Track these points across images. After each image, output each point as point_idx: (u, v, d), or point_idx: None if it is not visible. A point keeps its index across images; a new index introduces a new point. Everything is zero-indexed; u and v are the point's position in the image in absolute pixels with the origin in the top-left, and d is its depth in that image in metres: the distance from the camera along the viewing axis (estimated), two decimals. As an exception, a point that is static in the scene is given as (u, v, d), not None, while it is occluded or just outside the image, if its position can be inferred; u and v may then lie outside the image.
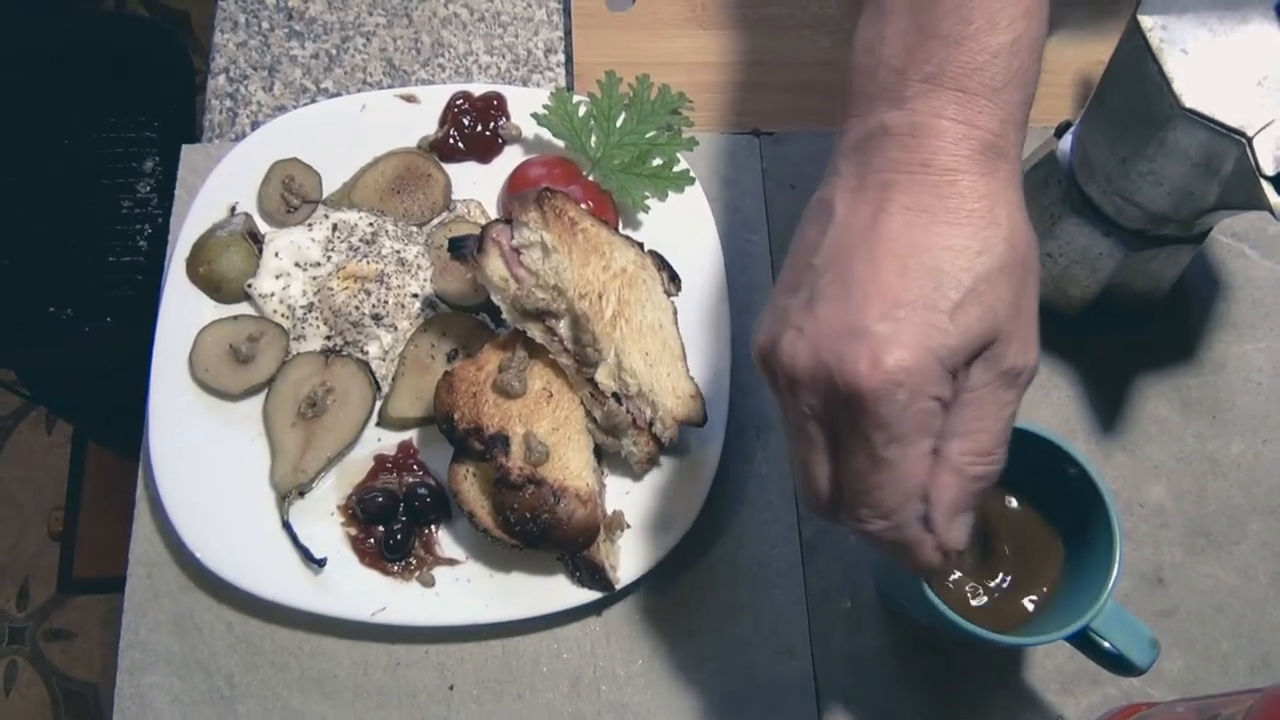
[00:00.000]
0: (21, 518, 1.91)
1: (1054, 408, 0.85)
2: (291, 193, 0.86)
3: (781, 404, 0.53)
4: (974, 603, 0.69)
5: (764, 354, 0.52)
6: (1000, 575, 0.70)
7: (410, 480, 0.78)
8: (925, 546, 0.51)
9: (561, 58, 0.98)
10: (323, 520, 0.77)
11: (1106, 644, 0.65)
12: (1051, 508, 0.70)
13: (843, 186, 0.52)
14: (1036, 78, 0.53)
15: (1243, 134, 0.63)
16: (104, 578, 1.82)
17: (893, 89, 0.52)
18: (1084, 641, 0.66)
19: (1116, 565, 0.64)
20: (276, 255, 0.83)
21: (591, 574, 0.74)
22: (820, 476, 0.52)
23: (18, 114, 1.29)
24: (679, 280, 0.81)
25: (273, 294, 0.82)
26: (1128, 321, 0.85)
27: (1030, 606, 0.69)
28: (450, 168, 0.88)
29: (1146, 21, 0.66)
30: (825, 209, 0.53)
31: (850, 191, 0.52)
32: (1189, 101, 0.64)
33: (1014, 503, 0.71)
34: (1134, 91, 0.68)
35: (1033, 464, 0.68)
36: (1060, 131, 0.81)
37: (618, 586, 0.75)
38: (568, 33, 0.98)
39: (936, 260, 0.48)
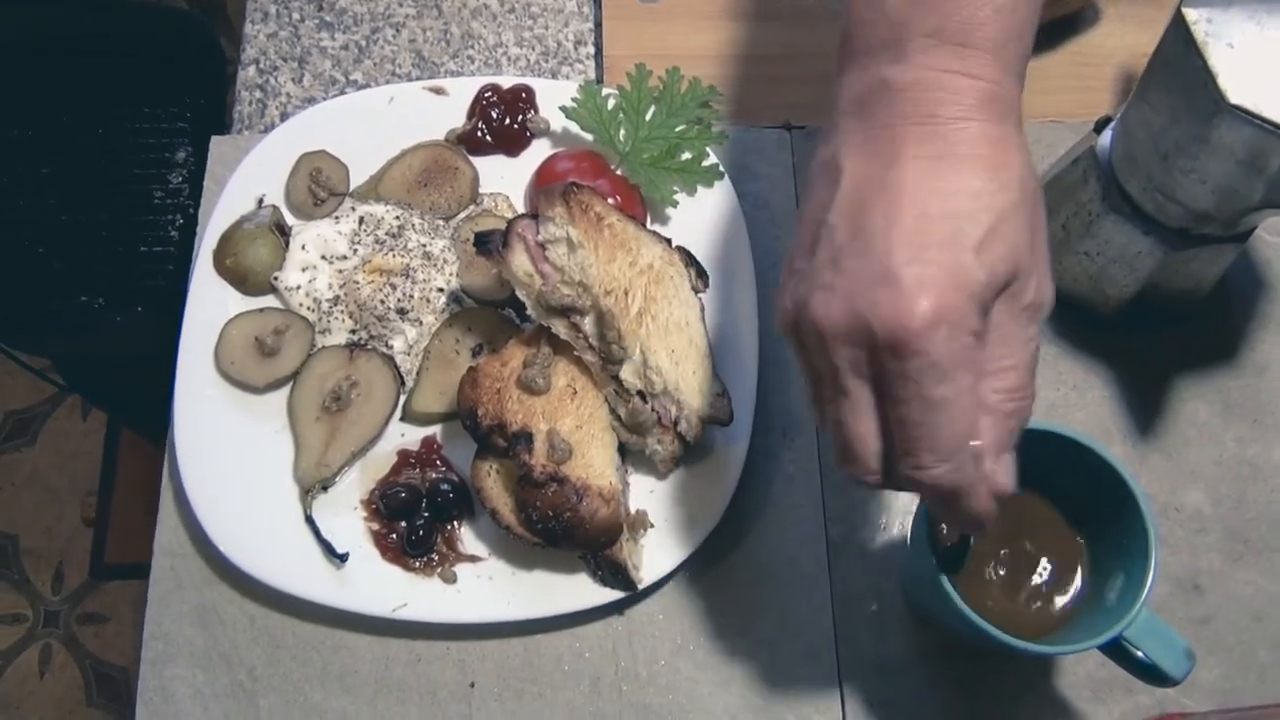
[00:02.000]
0: (57, 503, 1.93)
1: (1089, 409, 0.83)
2: (319, 185, 0.85)
3: (815, 369, 0.52)
4: (1003, 608, 0.67)
5: (792, 319, 0.52)
6: (1031, 580, 0.68)
7: (433, 476, 0.78)
8: (981, 491, 0.50)
9: (591, 50, 0.97)
10: (345, 515, 0.77)
11: (1140, 653, 0.63)
12: (1085, 512, 0.69)
13: (848, 143, 0.52)
14: (1035, 28, 0.53)
15: (1290, 131, 0.61)
16: (136, 563, 1.83)
17: (893, 44, 0.52)
18: (1117, 651, 0.65)
19: (1151, 573, 0.62)
20: (303, 248, 0.83)
21: (614, 573, 0.73)
22: (867, 434, 0.51)
23: (52, 104, 1.29)
24: (707, 277, 0.80)
25: (299, 287, 0.82)
26: (1167, 322, 0.83)
27: (1062, 613, 0.68)
28: (478, 161, 0.88)
29: (1191, 14, 0.64)
30: (832, 167, 0.52)
31: (857, 147, 0.52)
32: (1235, 97, 0.62)
33: (1044, 506, 0.70)
34: (1178, 86, 0.66)
35: (1066, 467, 0.66)
36: (1100, 127, 0.79)
37: (640, 586, 0.74)
38: (598, 24, 0.97)
39: (955, 203, 0.49)
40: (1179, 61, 0.65)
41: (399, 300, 0.81)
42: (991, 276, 0.48)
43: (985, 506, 0.51)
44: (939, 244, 0.48)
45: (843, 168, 0.52)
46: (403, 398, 0.80)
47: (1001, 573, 0.68)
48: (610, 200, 0.80)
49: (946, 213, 0.49)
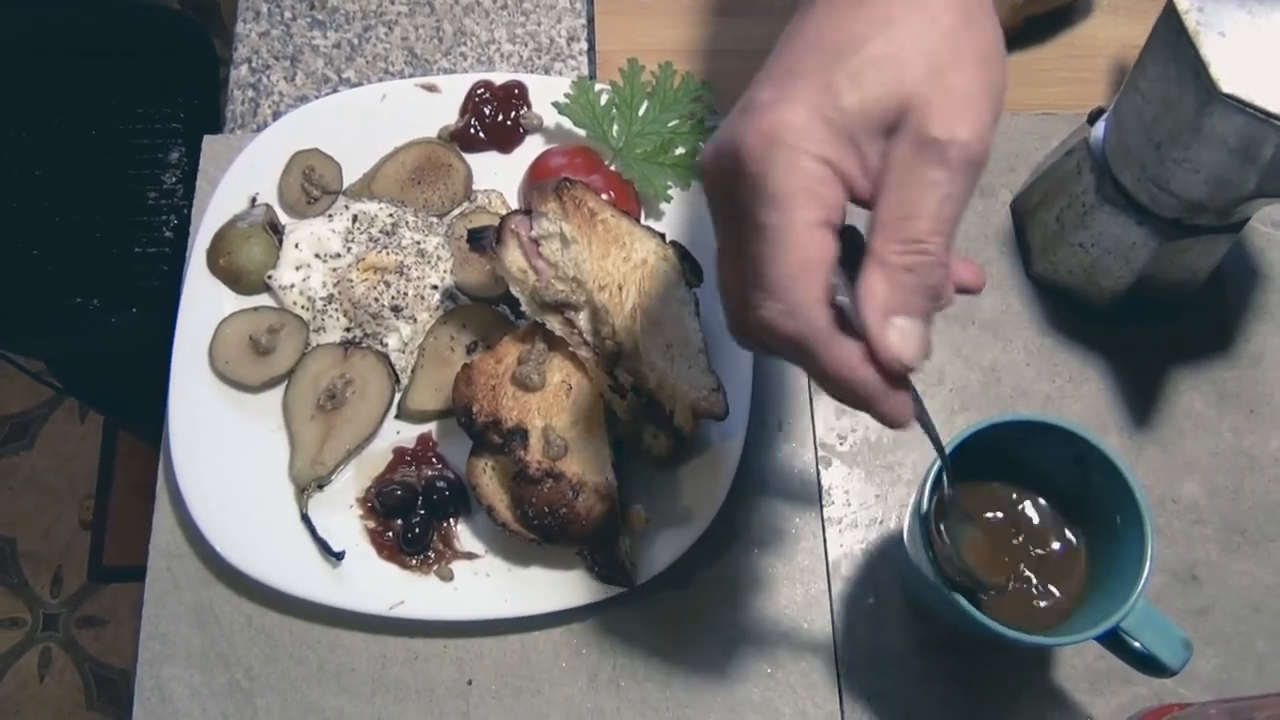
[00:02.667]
0: (55, 506, 1.93)
1: (1085, 401, 0.83)
2: (312, 183, 0.85)
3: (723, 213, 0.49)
4: (1000, 600, 0.67)
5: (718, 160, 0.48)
6: (1028, 572, 0.68)
7: (429, 473, 0.78)
8: (840, 351, 0.45)
9: (584, 46, 0.97)
10: (341, 513, 0.77)
11: (1137, 644, 0.63)
12: (1081, 504, 0.68)
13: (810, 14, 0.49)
14: None
15: (1283, 120, 0.61)
16: (134, 566, 1.83)
17: None
18: (1114, 641, 0.65)
19: (1148, 563, 0.62)
20: (296, 246, 0.83)
21: (611, 569, 0.73)
22: (727, 278, 0.49)
23: (45, 105, 1.29)
24: (701, 271, 0.79)
25: (292, 285, 0.82)
26: (1162, 313, 0.83)
27: (1059, 604, 0.67)
28: (471, 158, 0.88)
29: (1183, 4, 0.64)
30: (790, 28, 0.49)
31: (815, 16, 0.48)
32: (1227, 86, 0.62)
33: (1041, 499, 0.70)
34: (1170, 76, 0.66)
35: (1063, 459, 0.66)
36: (1093, 118, 0.79)
37: (637, 582, 0.74)
38: (590, 20, 0.97)
39: (842, 34, 0.45)
40: (1171, 51, 0.65)
41: (393, 298, 0.81)
42: (859, 103, 0.44)
43: (853, 374, 0.45)
44: (807, 71, 0.45)
45: (795, 23, 0.49)
46: (398, 395, 0.80)
47: (998, 564, 0.68)
48: (604, 195, 0.80)
49: (830, 44, 0.45)
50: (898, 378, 0.46)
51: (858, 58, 0.44)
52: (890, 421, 0.47)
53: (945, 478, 0.60)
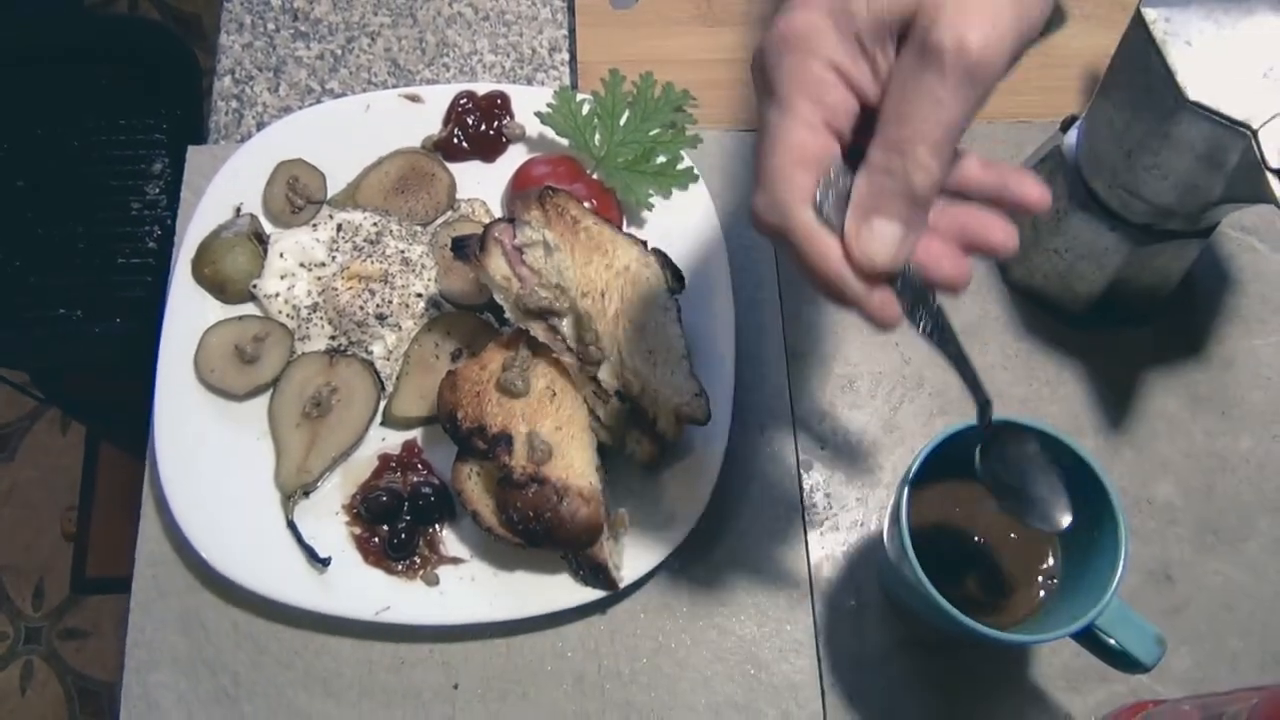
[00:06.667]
0: (36, 519, 1.92)
1: (1061, 404, 0.84)
2: (296, 193, 0.86)
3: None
4: (978, 599, 0.69)
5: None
6: (1005, 571, 0.69)
7: (415, 479, 0.79)
8: (819, 247, 0.46)
9: (566, 56, 0.98)
10: (327, 520, 0.77)
11: (1112, 641, 0.64)
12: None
13: None
14: None
15: (1248, 126, 0.62)
16: (117, 577, 1.82)
17: None
18: (1090, 639, 0.66)
19: (1122, 562, 0.63)
20: (281, 256, 0.83)
21: (595, 573, 0.74)
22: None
23: (28, 116, 1.29)
24: (682, 278, 0.80)
25: (278, 294, 0.83)
26: (1135, 317, 0.85)
27: (1036, 604, 0.69)
28: (454, 167, 0.88)
29: (1150, 14, 0.65)
30: None
31: None
32: (1193, 94, 0.63)
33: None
34: (1138, 84, 0.67)
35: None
36: (1066, 126, 0.80)
37: (621, 585, 0.74)
38: (572, 31, 0.98)
39: None
40: (1139, 60, 0.66)
41: (378, 306, 0.82)
42: (876, 6, 0.45)
43: (826, 267, 0.47)
44: None
45: None
46: (383, 402, 0.81)
47: (976, 565, 0.69)
48: (586, 204, 0.81)
49: None
50: (881, 278, 0.47)
51: None
52: (876, 322, 0.48)
53: (986, 415, 0.58)
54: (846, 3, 0.45)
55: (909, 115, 0.45)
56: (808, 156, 0.46)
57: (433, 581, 0.75)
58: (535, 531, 0.71)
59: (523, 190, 0.82)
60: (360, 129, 0.89)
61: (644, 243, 0.80)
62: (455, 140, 0.88)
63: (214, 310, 0.83)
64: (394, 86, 0.96)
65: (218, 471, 0.78)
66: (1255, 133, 0.62)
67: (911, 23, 0.45)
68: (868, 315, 0.48)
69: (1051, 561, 0.69)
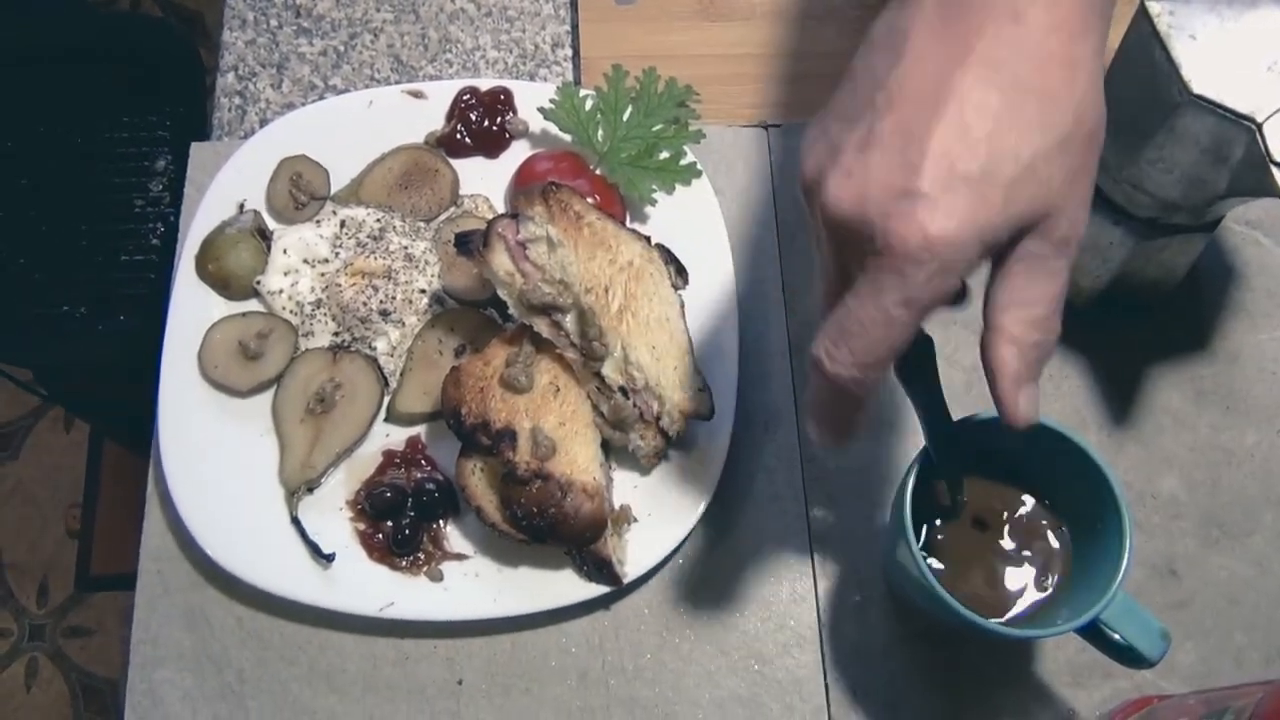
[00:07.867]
0: (40, 516, 1.92)
1: (1065, 399, 0.84)
2: (299, 189, 0.86)
3: (813, 229, 0.53)
4: (983, 593, 0.68)
5: (808, 187, 0.52)
6: (1009, 566, 0.69)
7: (418, 475, 0.79)
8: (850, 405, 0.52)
9: (569, 52, 0.98)
10: (331, 516, 0.77)
11: (1117, 636, 0.64)
12: (1062, 499, 0.70)
13: (922, 20, 0.49)
14: None
15: (1252, 120, 0.62)
16: (121, 574, 1.82)
17: None
18: (1094, 634, 0.66)
19: (1126, 557, 0.63)
20: (285, 252, 0.83)
21: (599, 568, 0.74)
22: (821, 296, 0.55)
23: (31, 114, 1.30)
24: (686, 273, 0.80)
25: (281, 290, 0.83)
26: (1140, 311, 0.84)
27: (1041, 598, 0.69)
28: (458, 163, 0.88)
29: (1154, 7, 0.65)
30: (897, 40, 0.50)
31: (929, 27, 0.49)
32: (1198, 88, 0.63)
33: (1023, 495, 0.71)
34: (1142, 78, 0.67)
35: (1044, 455, 0.67)
36: (1069, 120, 0.80)
37: (626, 581, 0.74)
38: (575, 27, 0.98)
39: (1000, 129, 0.47)
40: (1143, 54, 0.66)
41: (381, 302, 0.82)
42: (1009, 219, 0.48)
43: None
44: (968, 174, 0.47)
45: (907, 42, 0.49)
46: (386, 399, 0.81)
47: (980, 559, 0.69)
48: (589, 199, 0.81)
49: (988, 137, 0.47)
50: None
51: (1013, 165, 0.47)
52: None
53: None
54: (988, 212, 0.47)
55: (1046, 295, 0.50)
56: (892, 346, 0.50)
57: (437, 577, 0.75)
58: (539, 527, 0.71)
59: (526, 186, 0.82)
60: (363, 125, 0.89)
61: (647, 238, 0.80)
62: (458, 136, 0.88)
63: (218, 307, 0.83)
64: (397, 82, 0.96)
65: (222, 468, 0.78)
66: (1260, 126, 0.62)
67: (1038, 221, 0.49)
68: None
69: (1057, 557, 0.69)
